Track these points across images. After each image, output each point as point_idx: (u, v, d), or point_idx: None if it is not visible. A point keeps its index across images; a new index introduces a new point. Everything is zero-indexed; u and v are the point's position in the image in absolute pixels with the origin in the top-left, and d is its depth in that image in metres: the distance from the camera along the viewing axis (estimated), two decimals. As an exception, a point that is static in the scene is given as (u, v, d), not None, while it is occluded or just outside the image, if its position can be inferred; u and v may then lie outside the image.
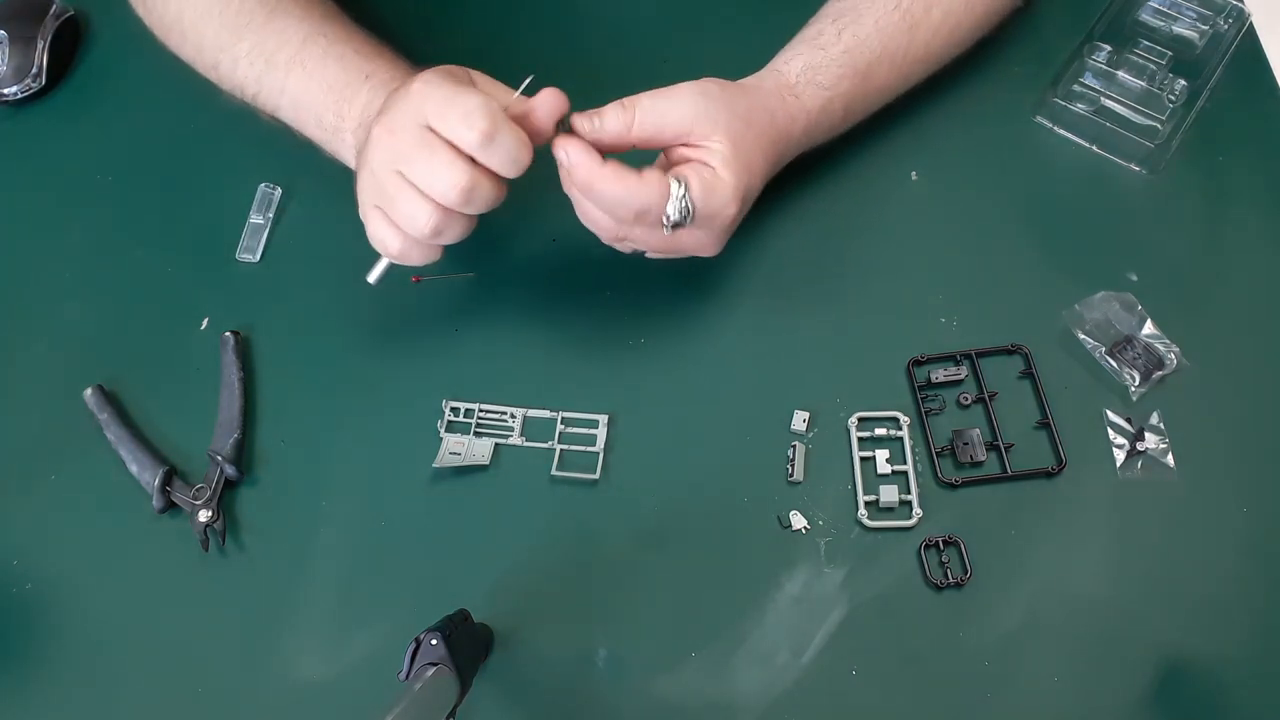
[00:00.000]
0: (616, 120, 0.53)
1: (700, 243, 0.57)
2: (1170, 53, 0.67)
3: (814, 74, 0.59)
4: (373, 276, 0.58)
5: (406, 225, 0.53)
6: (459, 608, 0.52)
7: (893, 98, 0.65)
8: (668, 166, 0.56)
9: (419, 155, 0.50)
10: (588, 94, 0.72)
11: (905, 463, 0.59)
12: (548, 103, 0.52)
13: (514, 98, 0.53)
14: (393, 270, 0.58)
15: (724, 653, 0.55)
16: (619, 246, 0.58)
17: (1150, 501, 0.58)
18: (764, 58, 0.61)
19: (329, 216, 0.68)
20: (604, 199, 0.53)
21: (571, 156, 0.53)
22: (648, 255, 0.59)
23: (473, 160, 0.50)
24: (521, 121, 0.51)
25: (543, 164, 0.69)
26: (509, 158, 0.51)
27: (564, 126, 0.54)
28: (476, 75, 0.55)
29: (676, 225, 0.53)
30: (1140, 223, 0.65)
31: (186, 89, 0.74)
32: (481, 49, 0.74)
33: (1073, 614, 0.55)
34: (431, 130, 0.50)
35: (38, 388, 0.65)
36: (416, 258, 0.55)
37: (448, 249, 0.67)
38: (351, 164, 0.59)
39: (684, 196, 0.53)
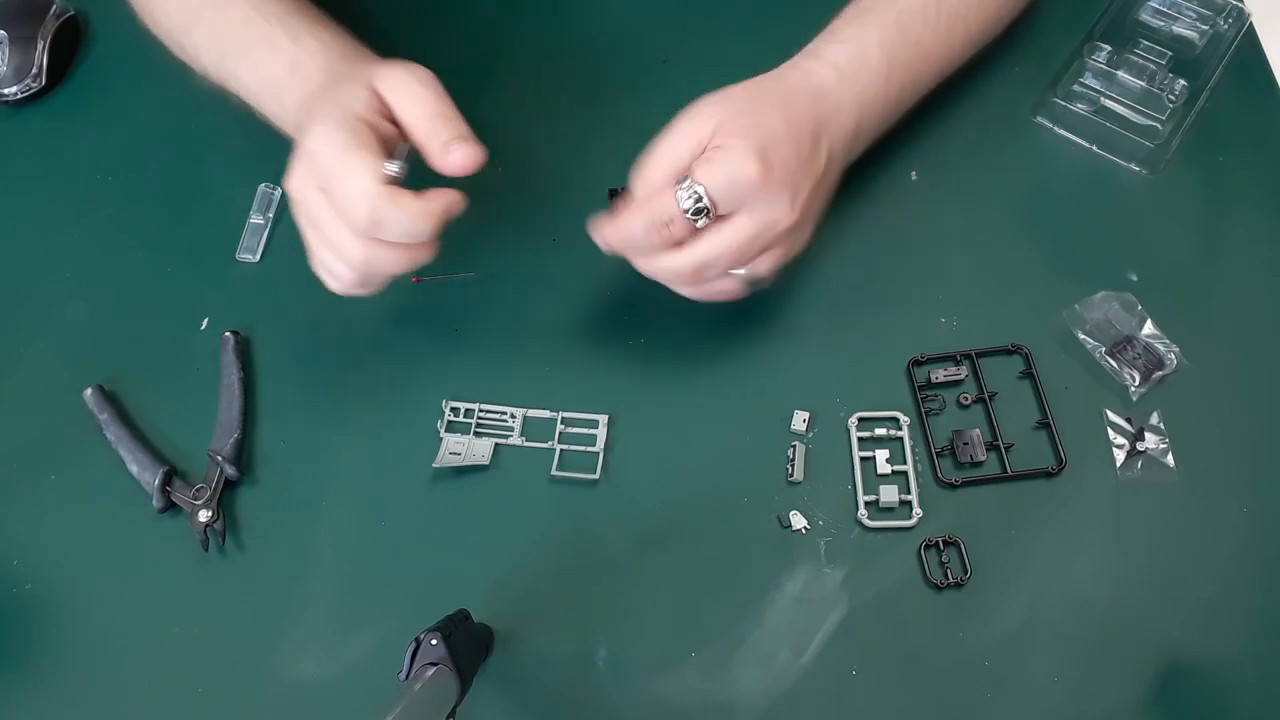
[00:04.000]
0: (642, 183, 0.53)
1: (767, 226, 0.52)
2: (1170, 53, 0.67)
3: (830, 35, 0.58)
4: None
5: (332, 279, 0.54)
6: (459, 608, 0.52)
7: (933, 64, 0.61)
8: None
9: (320, 221, 0.51)
10: (588, 94, 0.72)
11: (905, 463, 0.59)
12: (457, 163, 0.50)
13: (389, 168, 0.49)
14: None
15: (724, 653, 0.55)
16: (710, 292, 0.56)
17: (1150, 501, 0.58)
18: (764, 58, 0.60)
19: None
20: (635, 239, 0.53)
21: (605, 235, 0.54)
22: (757, 272, 0.55)
23: None
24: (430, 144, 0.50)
25: (543, 166, 0.70)
26: (402, 234, 0.49)
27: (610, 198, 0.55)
28: (397, 88, 0.51)
29: (699, 213, 0.51)
30: (1140, 223, 0.65)
31: (186, 89, 0.74)
32: (481, 49, 0.74)
33: (1073, 614, 0.55)
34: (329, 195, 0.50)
35: (38, 388, 0.65)
36: (366, 291, 0.55)
37: (447, 249, 0.67)
38: None
39: (690, 184, 0.51)
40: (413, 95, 0.51)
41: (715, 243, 0.52)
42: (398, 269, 0.52)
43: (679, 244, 0.53)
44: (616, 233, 0.53)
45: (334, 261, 0.52)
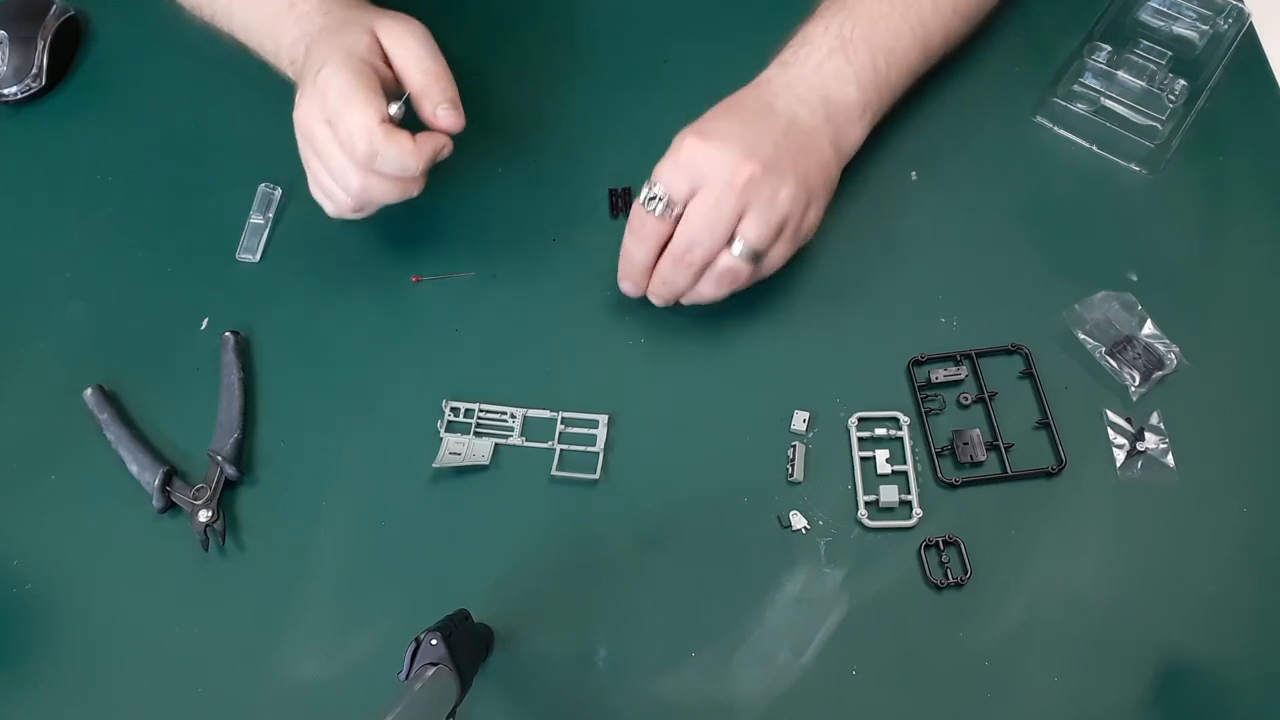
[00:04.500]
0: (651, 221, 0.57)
1: (726, 184, 0.54)
2: (1170, 53, 0.67)
3: (796, 38, 0.61)
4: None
5: (329, 202, 0.59)
6: (459, 608, 0.52)
7: (905, 34, 0.61)
8: None
9: (324, 151, 0.56)
10: (588, 94, 0.72)
11: (905, 463, 0.59)
12: (444, 125, 0.58)
13: (393, 111, 0.56)
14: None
15: (724, 653, 0.55)
16: (719, 279, 0.57)
17: (1150, 501, 0.58)
18: (763, 58, 0.61)
19: (329, 217, 0.68)
20: (628, 254, 0.59)
21: (619, 277, 0.60)
22: (750, 259, 0.56)
23: None
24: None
25: (543, 166, 0.70)
26: (395, 168, 0.55)
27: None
28: (398, 39, 0.57)
29: (653, 199, 0.55)
30: (1140, 223, 0.65)
31: (186, 89, 0.75)
32: (482, 49, 0.74)
33: (1073, 614, 0.55)
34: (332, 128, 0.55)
35: (38, 388, 0.65)
36: (362, 215, 0.60)
37: (447, 249, 0.67)
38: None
39: (648, 181, 0.56)
40: (412, 51, 0.57)
41: (687, 218, 0.55)
42: (390, 198, 0.58)
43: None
44: (622, 264, 0.59)
45: (334, 187, 0.57)
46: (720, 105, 0.58)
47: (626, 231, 0.58)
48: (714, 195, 0.54)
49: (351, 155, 0.55)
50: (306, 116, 0.56)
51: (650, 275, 0.59)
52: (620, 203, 0.67)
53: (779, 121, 0.57)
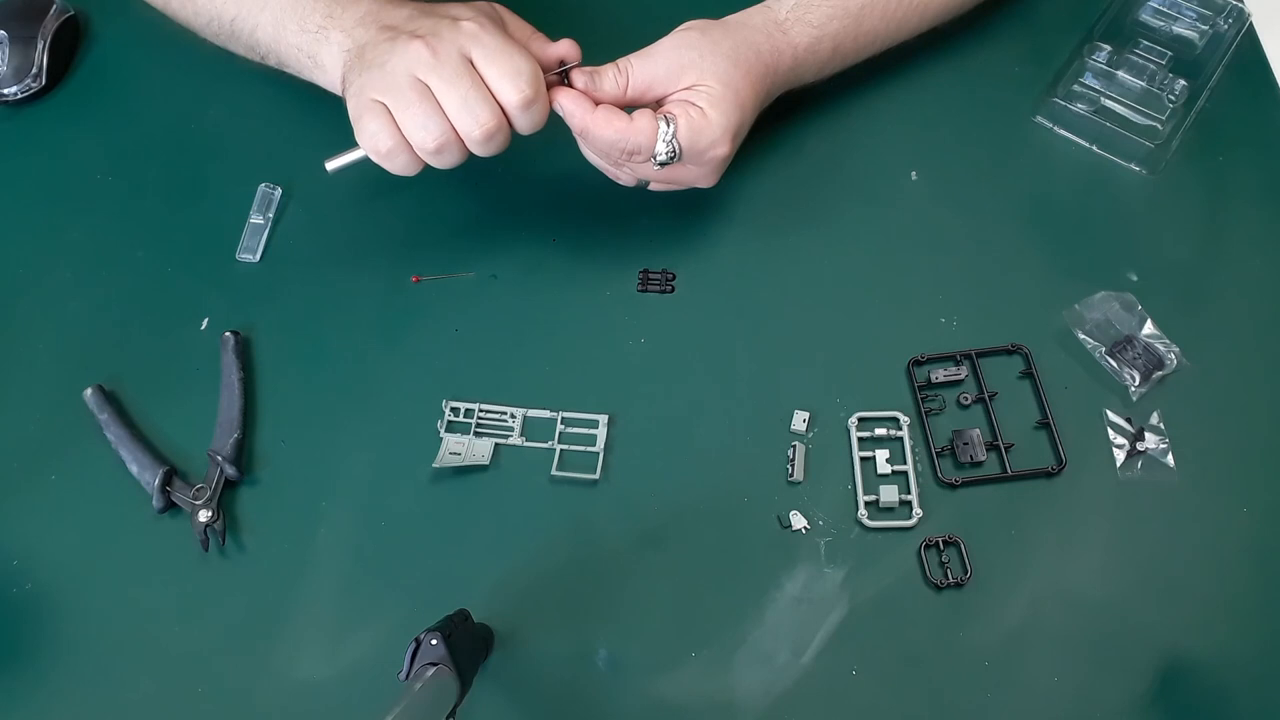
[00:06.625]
0: (613, 84, 0.56)
1: (695, 176, 0.60)
2: (1170, 53, 0.67)
3: (804, 12, 0.61)
4: (334, 165, 0.57)
5: (412, 132, 0.53)
6: (459, 608, 0.52)
7: (886, 45, 0.66)
8: (661, 104, 0.58)
9: (460, 82, 0.52)
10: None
11: (905, 463, 0.59)
12: (563, 51, 0.57)
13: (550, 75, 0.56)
14: (359, 165, 0.56)
15: (724, 653, 0.55)
16: (621, 178, 0.61)
17: (1150, 501, 0.58)
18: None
19: (329, 216, 0.68)
20: (598, 142, 0.56)
21: (565, 107, 0.56)
22: (650, 188, 0.62)
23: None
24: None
25: (543, 163, 0.70)
26: (533, 123, 0.55)
27: (563, 78, 0.57)
28: (505, 14, 0.59)
29: (665, 164, 0.56)
30: (1140, 223, 0.65)
31: (186, 89, 0.75)
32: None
33: (1073, 614, 0.55)
34: (475, 68, 0.52)
35: (38, 388, 0.65)
36: (399, 165, 0.54)
37: (446, 248, 0.67)
38: (329, 65, 0.58)
39: (671, 138, 0.55)
40: (518, 20, 0.60)
41: (656, 175, 0.58)
42: (492, 149, 0.55)
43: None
44: (583, 122, 0.56)
45: (434, 120, 0.53)
46: (753, 90, 0.58)
47: (615, 133, 0.55)
48: (685, 178, 0.60)
49: (506, 92, 0.52)
50: (448, 48, 0.52)
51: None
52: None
53: (764, 102, 0.60)
